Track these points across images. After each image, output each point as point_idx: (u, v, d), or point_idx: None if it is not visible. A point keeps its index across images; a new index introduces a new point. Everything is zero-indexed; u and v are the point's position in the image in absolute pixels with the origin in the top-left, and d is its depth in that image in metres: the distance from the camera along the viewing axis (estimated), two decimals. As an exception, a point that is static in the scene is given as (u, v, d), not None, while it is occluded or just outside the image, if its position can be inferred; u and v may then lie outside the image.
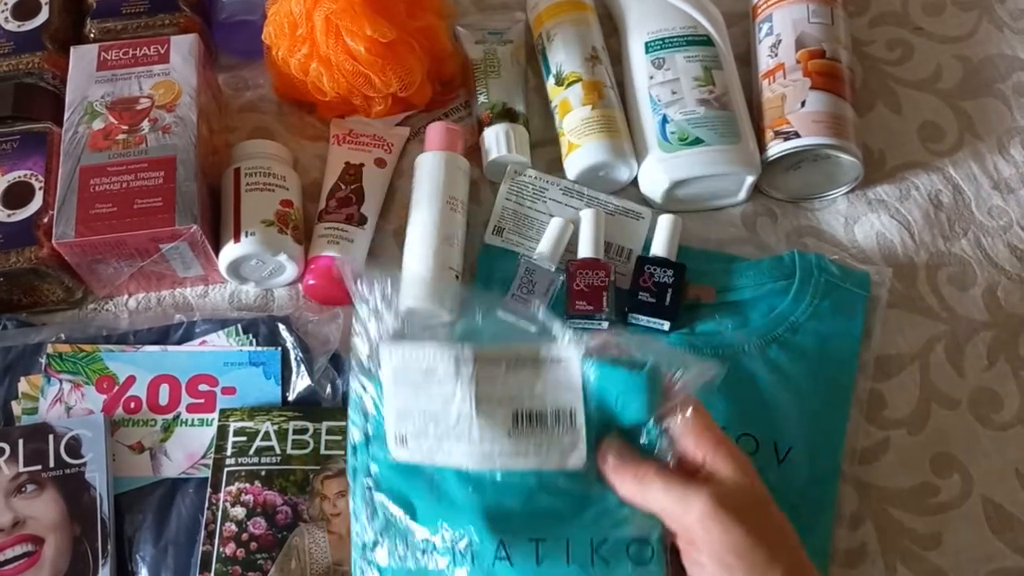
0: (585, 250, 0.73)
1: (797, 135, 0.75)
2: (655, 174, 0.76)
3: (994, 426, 0.71)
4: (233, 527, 0.64)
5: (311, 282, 0.73)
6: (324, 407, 0.69)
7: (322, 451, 0.66)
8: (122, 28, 0.79)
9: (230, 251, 0.71)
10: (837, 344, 0.71)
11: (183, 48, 0.75)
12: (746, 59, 0.83)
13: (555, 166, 0.80)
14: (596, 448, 0.54)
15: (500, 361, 0.54)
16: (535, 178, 0.78)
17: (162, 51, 0.75)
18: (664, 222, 0.74)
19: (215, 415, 0.68)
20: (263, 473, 0.65)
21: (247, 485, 0.65)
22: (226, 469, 0.66)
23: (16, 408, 0.69)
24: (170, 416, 0.69)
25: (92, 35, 0.79)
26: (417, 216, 0.73)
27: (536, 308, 0.58)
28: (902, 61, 0.87)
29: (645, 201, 0.79)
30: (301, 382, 0.70)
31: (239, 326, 0.72)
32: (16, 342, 0.71)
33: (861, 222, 0.79)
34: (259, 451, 0.66)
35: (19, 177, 0.71)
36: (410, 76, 0.77)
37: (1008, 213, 0.79)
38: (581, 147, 0.76)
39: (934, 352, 0.73)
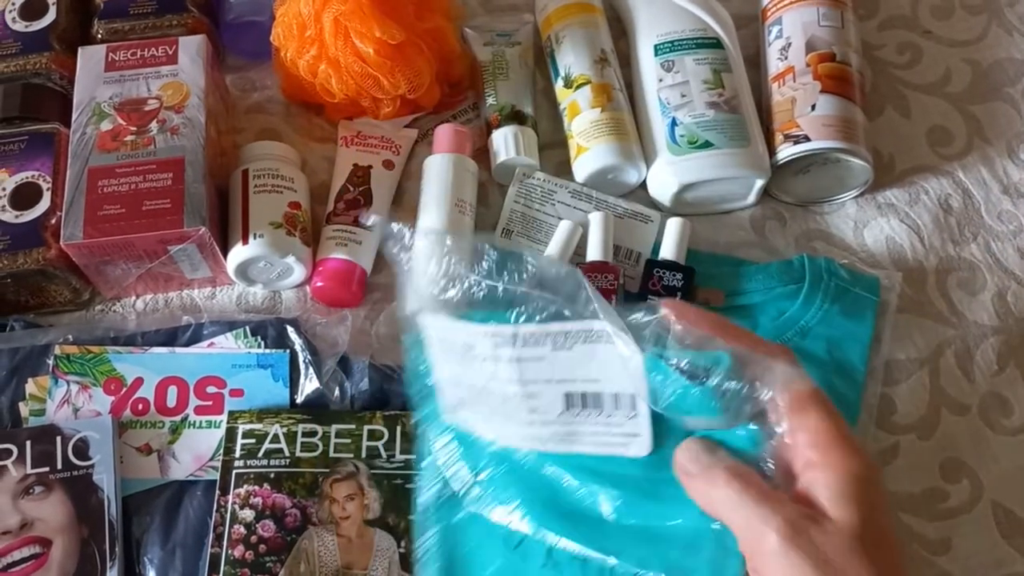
0: (594, 253, 0.73)
1: (807, 138, 0.74)
2: (664, 177, 0.76)
3: (1004, 431, 0.71)
4: (242, 529, 0.64)
5: (319, 284, 0.73)
6: (333, 410, 0.69)
7: (331, 454, 0.66)
8: (129, 29, 0.79)
9: (238, 253, 0.71)
10: (846, 348, 0.71)
11: (191, 49, 0.75)
12: (755, 62, 0.83)
13: (564, 169, 0.80)
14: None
15: (545, 338, 0.48)
16: (544, 181, 0.78)
17: (170, 52, 0.75)
18: (673, 225, 0.74)
19: (223, 417, 0.68)
20: (272, 476, 0.65)
21: (256, 488, 0.65)
22: (235, 471, 0.66)
23: (24, 409, 0.69)
24: (178, 418, 0.69)
25: (100, 36, 0.79)
26: (425, 218, 0.73)
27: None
28: (911, 65, 0.86)
29: (654, 204, 0.79)
30: (309, 385, 0.69)
31: (247, 328, 0.72)
32: (23, 343, 0.71)
33: (871, 226, 0.78)
34: (268, 453, 0.66)
35: (27, 178, 0.71)
36: (419, 78, 0.77)
37: (1018, 217, 0.79)
38: (590, 150, 0.76)
39: (944, 357, 0.73)
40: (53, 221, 0.69)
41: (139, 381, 0.70)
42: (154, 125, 0.71)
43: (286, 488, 0.65)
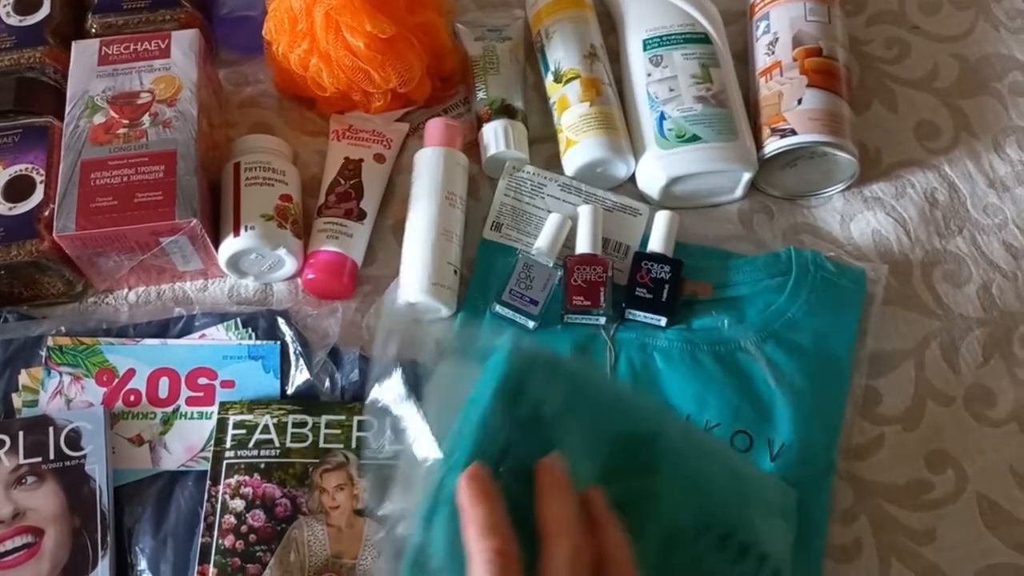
0: (583, 246, 0.73)
1: (794, 132, 0.75)
2: (652, 171, 0.76)
3: (988, 423, 0.71)
4: (232, 519, 0.64)
5: (310, 276, 0.73)
6: (323, 401, 0.69)
7: (321, 444, 0.67)
8: (123, 23, 0.80)
9: (230, 245, 0.71)
10: (832, 340, 0.71)
11: (184, 43, 0.76)
12: (743, 57, 0.84)
13: (553, 162, 0.80)
14: None
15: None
16: (533, 174, 0.78)
17: (163, 46, 0.75)
18: (661, 218, 0.75)
19: (214, 408, 0.69)
20: (262, 466, 0.66)
21: (246, 478, 0.65)
22: (225, 462, 0.66)
23: (16, 400, 0.69)
24: (169, 409, 0.69)
25: (93, 30, 0.80)
26: (416, 211, 0.74)
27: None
28: (899, 60, 0.87)
29: (643, 197, 0.79)
30: (300, 376, 0.70)
31: (238, 320, 0.72)
32: (16, 335, 0.71)
33: (857, 219, 0.79)
34: (258, 444, 0.67)
35: (20, 171, 0.71)
36: (409, 72, 0.77)
37: (1003, 211, 0.80)
38: (579, 143, 0.77)
39: (929, 349, 0.74)
40: (46, 213, 0.69)
41: (131, 372, 0.70)
42: (146, 118, 0.72)
43: (276, 478, 0.65)
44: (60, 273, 0.71)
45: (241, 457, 0.66)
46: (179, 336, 0.72)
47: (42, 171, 0.71)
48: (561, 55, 0.81)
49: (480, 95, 0.81)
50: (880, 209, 0.79)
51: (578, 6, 0.83)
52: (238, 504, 0.65)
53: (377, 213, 0.77)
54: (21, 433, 0.67)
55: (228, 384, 0.70)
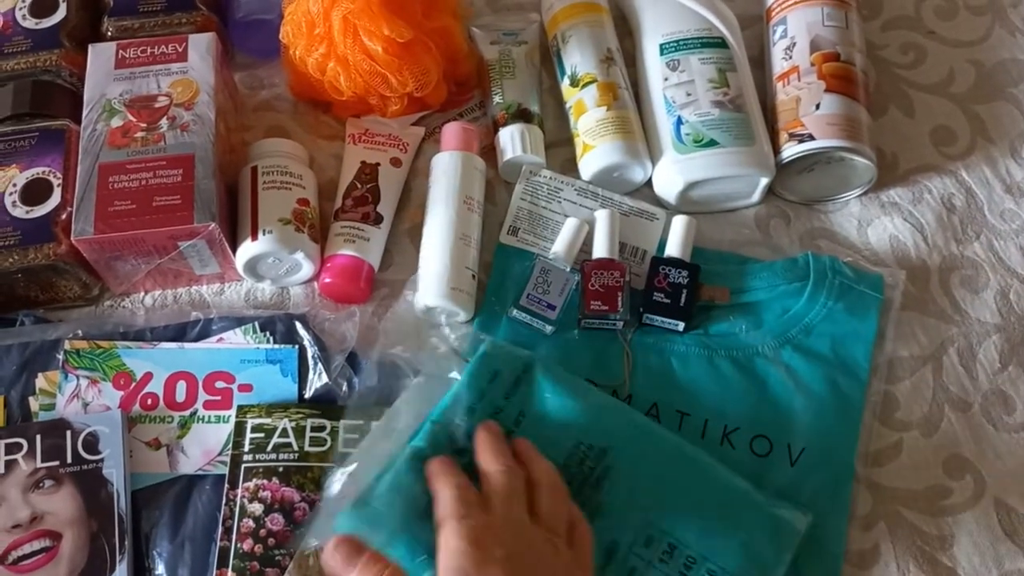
0: (600, 250, 0.73)
1: (811, 137, 0.75)
2: (670, 175, 0.76)
3: (1006, 428, 0.71)
4: (251, 523, 0.64)
5: (327, 280, 0.73)
6: (341, 405, 0.69)
7: (340, 448, 0.66)
8: (139, 26, 0.80)
9: (247, 249, 0.71)
10: (850, 346, 0.71)
11: (201, 47, 0.76)
12: (760, 62, 0.84)
13: (570, 167, 0.80)
14: None
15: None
16: (550, 178, 0.78)
17: (180, 49, 0.75)
18: (678, 223, 0.74)
19: (232, 412, 0.69)
20: (281, 470, 0.66)
21: (265, 481, 0.65)
22: (244, 465, 0.66)
23: (34, 404, 0.69)
24: (187, 413, 0.69)
25: (109, 33, 0.80)
26: (434, 215, 0.74)
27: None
28: (915, 65, 0.87)
29: (659, 202, 0.79)
30: (318, 380, 0.70)
31: (256, 324, 0.72)
32: (33, 338, 0.71)
33: (874, 225, 0.79)
34: (277, 448, 0.67)
35: (37, 174, 0.71)
36: (426, 76, 0.77)
37: (1020, 216, 0.80)
38: (596, 148, 0.77)
39: (947, 354, 0.73)
40: (64, 216, 0.69)
41: (148, 376, 0.70)
42: (164, 122, 0.72)
43: (295, 482, 0.65)
44: (77, 276, 0.71)
45: (259, 461, 0.66)
46: (196, 340, 0.72)
47: (59, 174, 0.71)
48: (577, 59, 0.80)
49: (496, 99, 0.81)
50: (897, 214, 0.79)
51: (594, 10, 0.83)
52: (256, 508, 0.65)
53: (394, 217, 0.77)
54: (38, 437, 0.66)
55: (246, 388, 0.70)
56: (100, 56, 0.75)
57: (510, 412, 0.65)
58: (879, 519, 0.68)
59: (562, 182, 0.78)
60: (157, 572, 0.64)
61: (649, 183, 0.79)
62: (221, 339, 0.72)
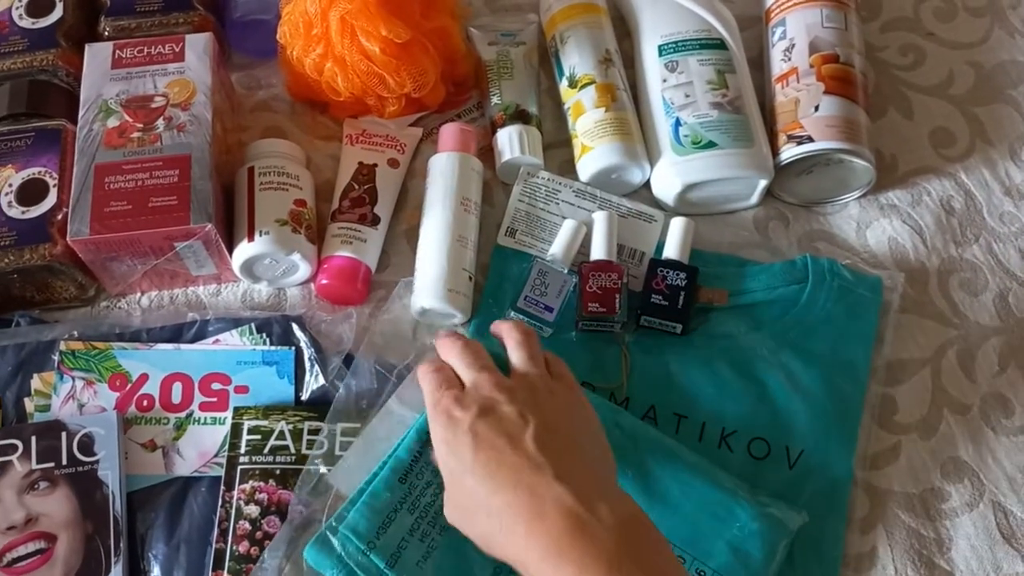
0: (598, 252, 0.73)
1: (810, 139, 0.75)
2: (668, 177, 0.76)
3: (1005, 431, 0.71)
4: (247, 525, 0.64)
5: (324, 282, 0.73)
6: (338, 408, 0.69)
7: (337, 451, 0.66)
8: (136, 26, 0.80)
9: (244, 250, 0.71)
10: (849, 348, 0.71)
11: (198, 47, 0.75)
12: (759, 63, 0.83)
13: (568, 168, 0.80)
14: None
15: None
16: (548, 180, 0.78)
17: (177, 49, 0.75)
18: (677, 225, 0.74)
19: (228, 414, 0.69)
20: (277, 472, 0.66)
21: (261, 483, 0.65)
22: (240, 467, 0.66)
23: (29, 405, 0.69)
24: (183, 414, 0.69)
25: (106, 33, 0.79)
26: (431, 217, 0.74)
27: None
28: (914, 66, 0.87)
29: (658, 204, 0.79)
30: (315, 382, 0.70)
31: (252, 325, 0.72)
32: (29, 339, 0.71)
33: (873, 227, 0.79)
34: (274, 450, 0.66)
35: (33, 174, 0.71)
36: (424, 77, 0.77)
37: (1019, 219, 0.80)
38: (594, 149, 0.77)
39: (945, 357, 0.73)
40: (59, 217, 0.69)
41: (144, 377, 0.70)
42: (161, 122, 0.71)
43: (292, 484, 0.65)
44: (73, 277, 0.71)
45: (256, 463, 0.66)
46: (192, 341, 0.72)
47: (55, 174, 0.71)
48: (576, 60, 0.80)
49: (494, 100, 0.81)
50: (896, 217, 0.79)
51: (593, 11, 0.83)
52: (253, 510, 0.64)
53: (391, 218, 0.77)
54: (33, 438, 0.66)
55: (242, 389, 0.70)
56: (97, 56, 0.75)
57: None
58: (877, 522, 0.68)
59: (560, 183, 0.78)
60: (152, 574, 0.64)
61: (647, 185, 0.79)
62: (217, 340, 0.72)
